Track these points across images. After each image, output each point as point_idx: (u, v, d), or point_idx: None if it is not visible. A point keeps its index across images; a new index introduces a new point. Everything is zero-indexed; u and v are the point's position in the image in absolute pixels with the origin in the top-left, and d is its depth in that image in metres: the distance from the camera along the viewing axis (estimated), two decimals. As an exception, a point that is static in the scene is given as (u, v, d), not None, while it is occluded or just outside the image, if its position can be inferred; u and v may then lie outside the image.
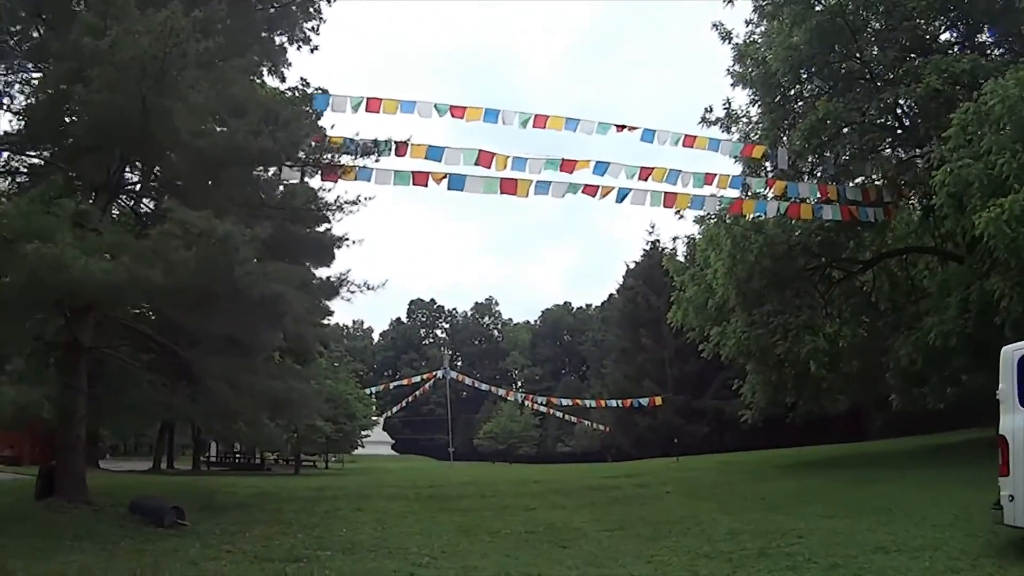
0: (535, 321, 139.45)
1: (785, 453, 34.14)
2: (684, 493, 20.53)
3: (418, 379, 75.35)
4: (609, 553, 12.58)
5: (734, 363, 29.66)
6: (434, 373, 71.99)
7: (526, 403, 74.16)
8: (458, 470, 41.26)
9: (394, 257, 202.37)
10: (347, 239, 33.18)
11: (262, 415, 19.40)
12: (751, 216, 25.88)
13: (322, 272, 23.56)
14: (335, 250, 38.69)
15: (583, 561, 11.89)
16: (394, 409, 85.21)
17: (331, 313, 49.20)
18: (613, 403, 56.00)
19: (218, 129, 17.20)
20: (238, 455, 56.56)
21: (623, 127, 22.94)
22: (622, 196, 22.05)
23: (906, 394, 28.70)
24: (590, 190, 21.92)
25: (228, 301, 14.54)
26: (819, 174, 27.39)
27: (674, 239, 46.96)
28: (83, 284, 12.56)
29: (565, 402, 64.24)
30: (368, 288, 43.08)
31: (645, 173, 21.84)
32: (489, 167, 20.95)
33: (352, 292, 38.75)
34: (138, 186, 20.37)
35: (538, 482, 24.83)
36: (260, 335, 17.01)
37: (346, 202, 23.23)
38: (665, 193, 22.66)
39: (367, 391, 59.93)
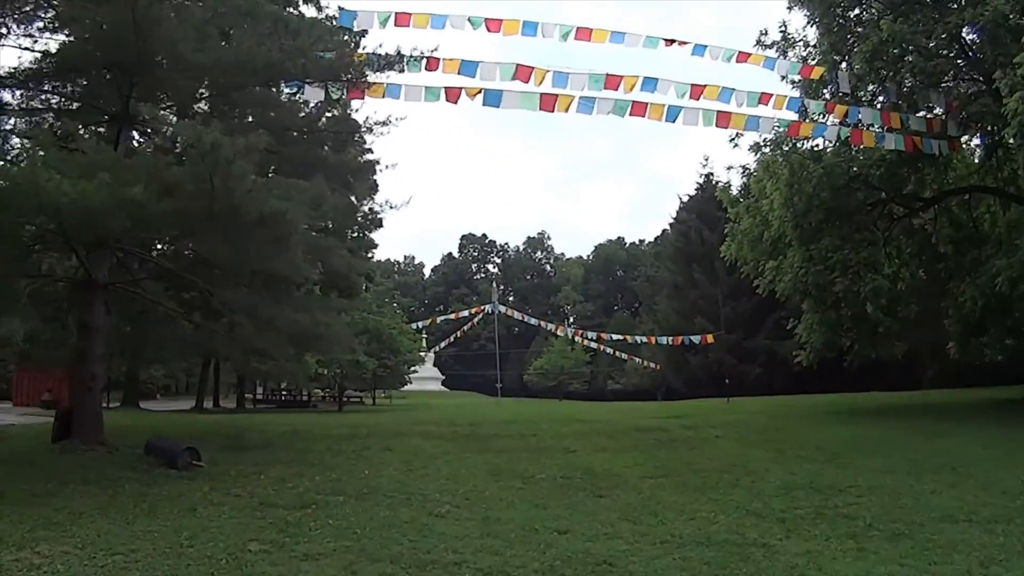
0: (588, 256, 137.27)
1: (838, 399, 32.42)
2: (734, 438, 19.22)
3: (466, 314, 74.05)
4: (648, 505, 11.36)
5: (789, 301, 28.54)
6: (482, 308, 70.67)
7: (576, 339, 72.37)
8: (504, 407, 39.92)
9: (446, 191, 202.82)
10: (379, 163, 32.50)
11: (287, 350, 18.22)
12: (809, 143, 24.60)
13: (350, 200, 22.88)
14: (371, 176, 38.15)
15: (619, 514, 10.68)
16: (442, 344, 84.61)
17: (375, 246, 49.29)
18: (664, 340, 54.43)
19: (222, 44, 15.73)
20: (284, 392, 56.42)
21: (672, 41, 21.08)
22: (672, 115, 20.30)
23: (964, 343, 27.02)
24: (638, 109, 20.15)
25: (228, 223, 13.19)
26: (880, 103, 25.26)
27: (728, 168, 45.30)
28: (58, 206, 11.37)
29: (616, 338, 62.50)
30: (391, 207, 42.73)
31: (696, 91, 20.03)
32: (527, 82, 19.25)
33: (377, 212, 38.00)
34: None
35: (583, 421, 23.56)
36: (271, 261, 15.62)
37: (376, 123, 21.95)
38: (718, 112, 20.83)
39: (413, 326, 58.73)
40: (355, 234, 44.98)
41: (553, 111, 19.58)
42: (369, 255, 48.44)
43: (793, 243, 24.75)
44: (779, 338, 51.34)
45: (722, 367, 50.45)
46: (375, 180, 47.03)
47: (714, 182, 62.47)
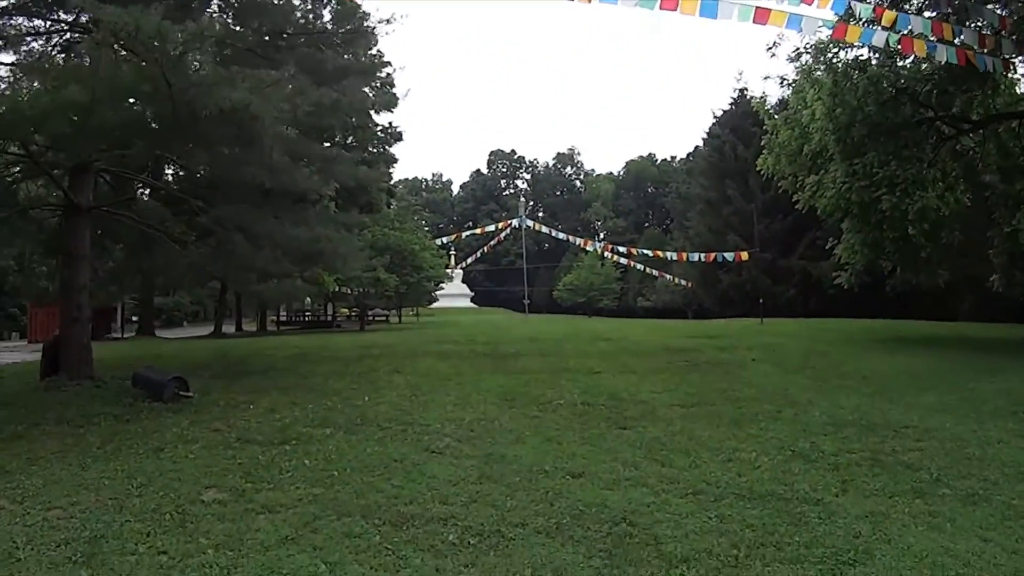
0: (618, 173, 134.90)
1: (876, 325, 30.51)
2: (772, 362, 17.54)
3: (492, 228, 72.30)
4: (678, 441, 9.91)
5: (825, 222, 27.14)
6: (509, 222, 68.69)
7: (606, 254, 70.47)
8: (530, 323, 38.44)
9: (475, 107, 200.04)
10: (389, 64, 30.71)
11: (286, 267, 17.03)
12: (853, 51, 22.51)
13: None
14: (385, 84, 36.48)
15: (644, 453, 9.28)
16: (469, 260, 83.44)
17: (395, 161, 47.81)
18: (695, 257, 52.32)
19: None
20: (307, 313, 55.84)
21: (708, -72, 18.82)
22: (707, 9, 18.19)
23: (1009, 276, 25.27)
24: (668, 3, 18.08)
25: (194, 126, 11.60)
26: (932, 15, 22.89)
27: (765, 79, 42.63)
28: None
29: (646, 254, 60.42)
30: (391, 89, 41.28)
31: (734, -18, 17.86)
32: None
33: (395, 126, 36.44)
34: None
35: (610, 340, 22.10)
36: (244, 167, 14.13)
37: (380, 21, 20.29)
38: (757, 8, 18.69)
39: (438, 241, 57.48)
40: (374, 149, 43.72)
41: (572, -3, 17.60)
42: (390, 170, 46.74)
43: (835, 157, 22.85)
44: (814, 259, 49.87)
45: (755, 287, 48.94)
46: (393, 92, 46.08)
47: (748, 96, 60.71)
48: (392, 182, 52.54)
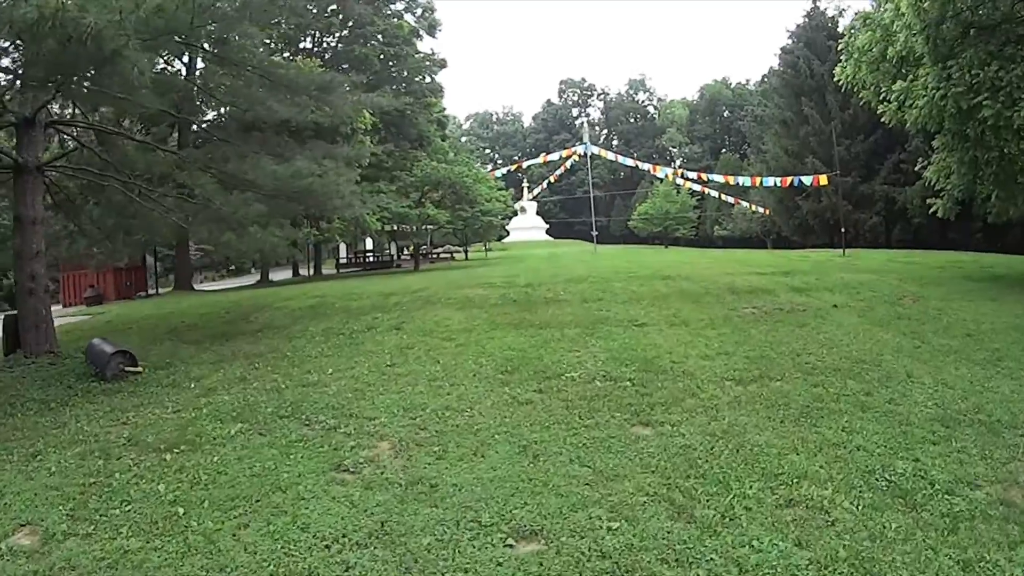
0: (692, 98, 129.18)
1: (966, 260, 26.15)
2: (857, 311, 14.13)
3: (556, 156, 68.76)
4: (717, 456, 6.73)
5: (919, 137, 22.29)
6: (573, 149, 64.89)
7: (677, 180, 66.38)
8: (594, 257, 35.54)
9: (543, 35, 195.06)
10: None
11: (259, 211, 14.99)
12: None
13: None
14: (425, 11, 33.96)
15: (657, 483, 6.17)
16: (535, 191, 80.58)
17: (440, 91, 44.98)
18: (770, 181, 47.90)
19: None
20: (368, 254, 54.25)
21: None
22: None
23: None
24: None
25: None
26: None
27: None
28: None
29: (717, 179, 56.15)
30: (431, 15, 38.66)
31: None
32: None
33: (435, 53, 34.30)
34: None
35: (669, 278, 18.92)
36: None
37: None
38: None
39: (498, 173, 54.74)
40: (418, 78, 41.11)
41: None
42: (435, 100, 43.97)
43: (925, 60, 18.97)
44: (898, 183, 46.65)
45: (836, 214, 44.96)
46: (434, 16, 43.39)
47: (823, 8, 56.19)
48: (443, 112, 49.52)
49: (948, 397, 8.37)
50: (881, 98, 21.20)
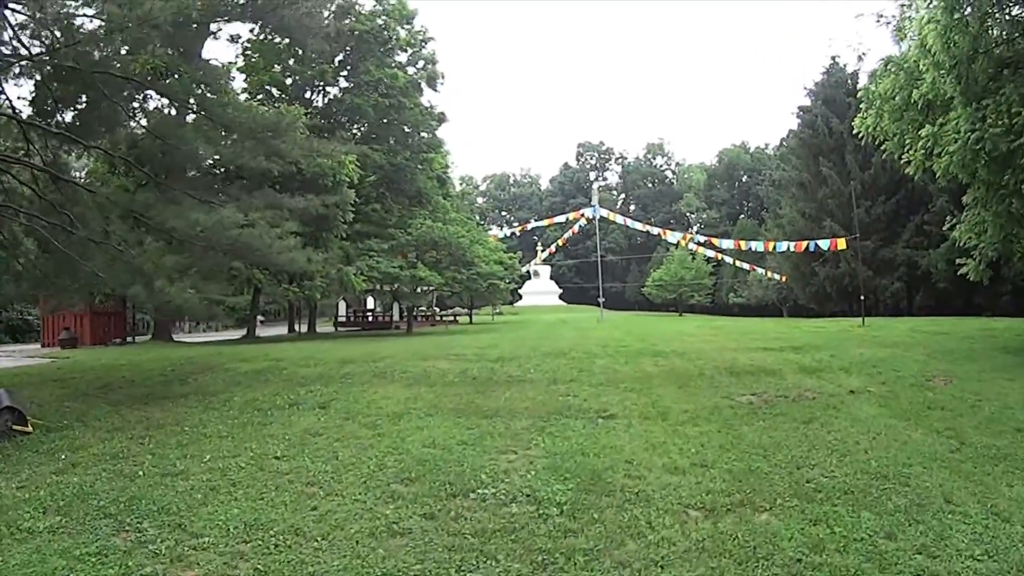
0: (710, 162, 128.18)
1: (1000, 326, 23.54)
2: (878, 398, 11.56)
3: (563, 219, 66.50)
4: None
5: (945, 194, 19.81)
6: (581, 212, 62.48)
7: (686, 244, 63.56)
8: (600, 325, 33.83)
9: (562, 98, 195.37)
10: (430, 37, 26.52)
11: (177, 264, 12.55)
12: None
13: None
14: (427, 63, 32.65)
15: None
16: (543, 254, 78.57)
17: (439, 145, 43.02)
18: (784, 246, 44.74)
19: None
20: (368, 313, 52.59)
21: None
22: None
23: None
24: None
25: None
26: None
27: (857, 16, 36.10)
28: None
29: (726, 244, 53.09)
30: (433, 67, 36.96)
31: None
32: None
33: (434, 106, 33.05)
34: None
35: (662, 355, 16.55)
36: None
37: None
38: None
39: (500, 234, 52.71)
40: (415, 131, 39.25)
41: None
42: (435, 155, 41.98)
43: (956, 102, 16.52)
44: (921, 247, 44.62)
45: (854, 280, 42.91)
46: (435, 68, 41.43)
47: (842, 64, 54.14)
48: (445, 169, 47.51)
49: (1004, 539, 5.87)
50: (906, 148, 18.80)
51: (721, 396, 11.72)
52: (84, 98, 13.89)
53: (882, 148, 20.13)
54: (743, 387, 12.37)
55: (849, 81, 52.55)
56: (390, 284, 35.95)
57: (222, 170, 23.62)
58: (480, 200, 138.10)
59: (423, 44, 41.34)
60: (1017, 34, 16.51)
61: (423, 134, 40.97)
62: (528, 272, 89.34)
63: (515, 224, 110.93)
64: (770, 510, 6.55)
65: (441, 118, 42.14)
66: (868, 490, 7.03)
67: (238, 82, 34.88)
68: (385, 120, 38.50)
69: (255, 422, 11.05)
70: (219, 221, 12.77)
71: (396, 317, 50.98)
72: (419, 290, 36.91)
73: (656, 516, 6.43)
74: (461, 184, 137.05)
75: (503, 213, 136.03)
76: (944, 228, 20.59)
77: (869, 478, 7.40)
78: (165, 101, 15.99)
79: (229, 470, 8.34)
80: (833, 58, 55.74)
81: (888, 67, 19.08)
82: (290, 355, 19.23)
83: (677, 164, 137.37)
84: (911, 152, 18.23)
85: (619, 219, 60.52)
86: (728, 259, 60.34)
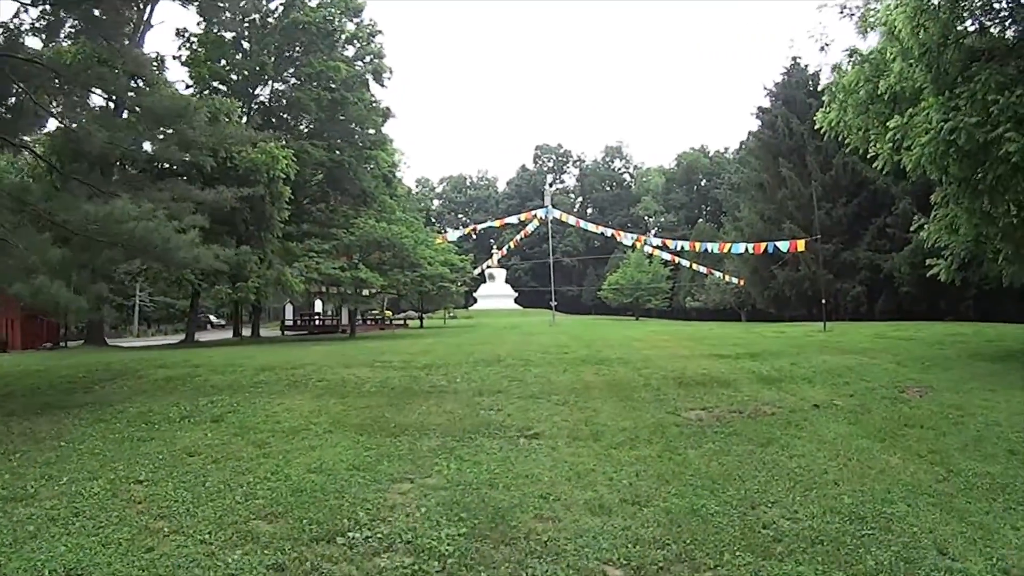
0: (669, 165, 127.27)
1: (968, 331, 22.43)
2: (848, 414, 10.14)
3: (515, 220, 64.80)
4: None
5: (907, 197, 18.73)
6: (533, 213, 60.71)
7: (643, 248, 62.30)
8: (550, 329, 33.18)
9: (517, 99, 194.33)
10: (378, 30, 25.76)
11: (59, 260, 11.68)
12: None
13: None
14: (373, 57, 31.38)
15: None
16: (496, 256, 77.08)
17: (385, 142, 41.24)
18: (740, 248, 43.37)
19: None
20: (316, 317, 52.41)
21: None
22: None
23: None
24: None
25: None
26: None
27: (820, 8, 34.87)
28: None
29: (680, 245, 51.60)
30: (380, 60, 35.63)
31: None
32: None
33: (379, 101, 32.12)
34: None
35: (605, 363, 15.09)
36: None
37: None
38: None
39: (452, 235, 51.19)
40: (359, 127, 37.50)
41: None
42: (380, 152, 40.22)
43: (926, 92, 15.29)
44: (883, 250, 43.81)
45: (815, 283, 42.21)
46: (382, 62, 39.83)
47: (803, 64, 53.60)
48: (392, 167, 45.78)
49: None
50: (871, 143, 17.47)
51: (666, 411, 10.24)
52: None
53: (845, 147, 18.92)
54: (692, 400, 10.91)
55: (810, 82, 51.93)
56: (332, 286, 34.45)
57: (131, 161, 21.92)
58: (436, 202, 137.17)
59: (371, 38, 39.68)
60: (990, 23, 15.40)
61: (370, 131, 39.18)
62: (483, 275, 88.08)
63: (468, 225, 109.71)
64: (715, 569, 5.07)
65: (386, 114, 40.34)
66: (841, 539, 5.58)
67: (180, 74, 33.64)
68: (328, 115, 36.71)
69: (136, 437, 9.71)
70: (110, 213, 11.39)
71: (346, 320, 49.73)
72: (362, 292, 35.29)
73: (564, 579, 4.91)
74: (417, 186, 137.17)
75: (459, 215, 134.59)
76: (911, 229, 19.39)
77: (842, 521, 5.96)
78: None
79: (80, 496, 7.09)
80: (794, 58, 55.07)
81: (852, 58, 17.82)
82: (212, 361, 17.68)
83: (635, 167, 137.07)
84: (878, 146, 16.92)
85: (572, 220, 59.23)
86: (685, 263, 59.14)
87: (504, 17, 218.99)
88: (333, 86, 35.94)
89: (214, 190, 17.45)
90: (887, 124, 16.00)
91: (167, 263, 16.42)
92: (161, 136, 15.61)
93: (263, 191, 28.44)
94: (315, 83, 35.99)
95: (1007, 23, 15.37)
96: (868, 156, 17.78)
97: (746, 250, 41.64)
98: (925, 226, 17.93)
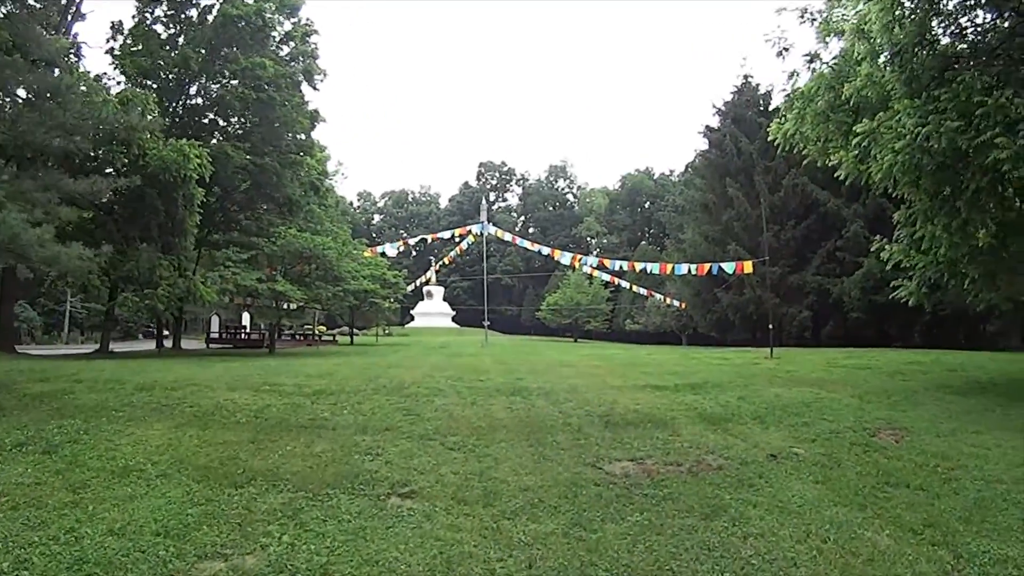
0: (613, 187, 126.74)
1: (926, 360, 20.75)
2: (813, 468, 8.02)
3: (448, 235, 62.77)
4: None
5: (849, 226, 17.74)
6: (467, 228, 58.50)
7: (576, 264, 60.08)
8: (479, 351, 31.36)
9: (463, 115, 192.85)
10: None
11: None
12: None
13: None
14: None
15: None
16: (430, 273, 74.89)
17: (310, 147, 38.76)
18: (683, 268, 41.62)
19: None
20: (241, 331, 48.94)
21: None
22: None
23: None
24: None
25: None
26: None
27: (778, 11, 33.28)
28: None
29: (619, 265, 49.65)
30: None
31: None
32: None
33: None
34: None
35: (523, 392, 13.08)
36: None
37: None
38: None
39: (380, 250, 48.99)
40: (286, 130, 35.07)
41: None
42: (309, 159, 37.70)
43: (897, 96, 13.54)
44: (833, 274, 42.66)
45: (760, 307, 41.39)
46: (315, 62, 37.51)
47: (754, 84, 52.23)
48: (320, 174, 43.32)
49: None
50: (831, 153, 15.64)
51: (585, 462, 8.10)
52: None
53: (796, 166, 17.26)
54: (619, 447, 8.78)
55: (761, 101, 50.93)
56: (249, 298, 32.02)
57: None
58: (377, 217, 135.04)
59: (306, 38, 37.26)
60: (969, 24, 13.82)
61: (299, 136, 36.62)
62: (421, 292, 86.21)
63: (408, 240, 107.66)
64: None
65: (315, 116, 37.74)
66: None
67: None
68: (255, 116, 34.27)
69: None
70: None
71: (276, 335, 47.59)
72: (282, 306, 32.85)
73: None
74: (359, 200, 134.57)
75: (400, 231, 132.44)
76: (871, 250, 17.62)
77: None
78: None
79: None
80: (745, 76, 54.30)
81: (813, 64, 16.05)
82: (99, 376, 15.62)
83: (579, 187, 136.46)
84: (841, 154, 15.12)
85: (508, 237, 57.33)
86: (625, 284, 57.44)
87: (451, 33, 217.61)
88: (261, 85, 33.46)
89: (87, 179, 15.19)
90: (854, 129, 14.12)
91: (21, 261, 14.21)
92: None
93: (175, 192, 26.52)
94: (241, 81, 33.58)
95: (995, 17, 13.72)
96: (828, 168, 16.08)
97: (689, 271, 39.98)
98: (886, 247, 16.20)
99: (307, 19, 37.48)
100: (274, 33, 36.12)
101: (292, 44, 37.09)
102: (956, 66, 13.15)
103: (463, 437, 9.22)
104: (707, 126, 55.03)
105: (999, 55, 13.33)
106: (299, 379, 15.22)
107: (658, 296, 55.97)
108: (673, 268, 41.42)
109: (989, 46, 13.52)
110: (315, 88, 37.70)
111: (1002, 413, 11.44)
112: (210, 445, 8.98)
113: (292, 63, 36.74)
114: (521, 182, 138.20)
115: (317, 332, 54.44)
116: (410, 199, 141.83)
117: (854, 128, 14.06)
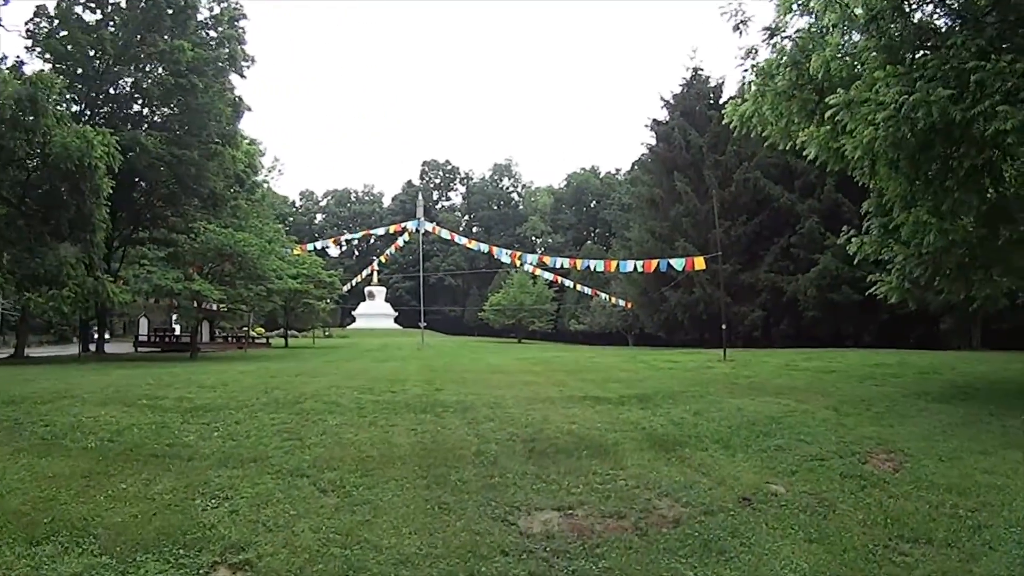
0: (559, 185, 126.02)
1: (892, 361, 19.34)
2: (798, 517, 6.01)
3: (382, 232, 60.63)
4: None
5: (805, 222, 16.55)
6: (402, 225, 56.22)
7: (516, 262, 57.90)
8: (413, 353, 30.29)
9: (407, 113, 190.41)
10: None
11: None
12: None
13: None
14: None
15: None
16: (366, 272, 72.63)
17: (234, 138, 36.35)
18: (629, 266, 39.00)
19: None
20: (168, 334, 46.86)
21: None
22: None
23: None
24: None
25: None
26: None
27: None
28: None
29: (561, 263, 47.90)
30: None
31: None
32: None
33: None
34: None
35: (439, 406, 11.16)
36: None
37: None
38: None
39: (310, 247, 46.95)
40: (201, 118, 32.64)
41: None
42: (226, 149, 35.08)
43: (870, 64, 11.97)
44: (787, 272, 41.19)
45: (710, 306, 39.84)
46: (241, 48, 35.18)
47: (704, 76, 50.70)
48: (247, 168, 40.96)
49: None
50: (795, 135, 13.83)
51: (493, 516, 6.05)
52: None
53: (754, 154, 15.49)
54: (543, 487, 6.75)
55: (712, 94, 49.32)
56: (167, 298, 30.26)
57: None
58: (320, 216, 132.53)
59: (233, 22, 34.87)
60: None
61: (225, 126, 34.11)
62: (362, 292, 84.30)
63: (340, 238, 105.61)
64: None
65: (238, 104, 35.28)
66: None
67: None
68: (174, 103, 31.95)
69: None
70: None
71: (207, 338, 46.45)
72: (203, 306, 30.53)
73: None
74: (301, 199, 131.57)
75: (343, 230, 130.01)
76: (839, 241, 15.81)
77: None
78: None
79: None
80: (695, 69, 52.17)
81: (774, 39, 14.22)
82: None
83: (524, 186, 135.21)
84: (811, 130, 13.25)
85: (446, 234, 55.48)
86: (570, 283, 55.73)
87: (396, 31, 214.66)
88: (180, 70, 30.97)
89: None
90: (826, 101, 12.24)
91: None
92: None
93: (82, 184, 24.26)
94: (161, 66, 31.25)
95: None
96: (781, 163, 14.34)
97: (635, 269, 37.77)
98: (854, 239, 14.47)
99: (236, 2, 35.32)
100: (200, 16, 33.87)
101: (220, 28, 34.78)
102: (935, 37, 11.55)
103: (343, 473, 7.13)
104: (654, 119, 52.67)
105: (988, 22, 11.62)
106: (189, 390, 13.33)
107: (603, 296, 54.62)
108: (618, 265, 39.30)
109: (974, 15, 11.80)
110: (242, 75, 35.49)
111: (999, 425, 9.71)
112: (36, 480, 7.14)
113: (219, 48, 34.41)
114: (465, 181, 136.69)
115: (252, 335, 51.98)
116: (353, 198, 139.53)
117: (826, 100, 12.20)
